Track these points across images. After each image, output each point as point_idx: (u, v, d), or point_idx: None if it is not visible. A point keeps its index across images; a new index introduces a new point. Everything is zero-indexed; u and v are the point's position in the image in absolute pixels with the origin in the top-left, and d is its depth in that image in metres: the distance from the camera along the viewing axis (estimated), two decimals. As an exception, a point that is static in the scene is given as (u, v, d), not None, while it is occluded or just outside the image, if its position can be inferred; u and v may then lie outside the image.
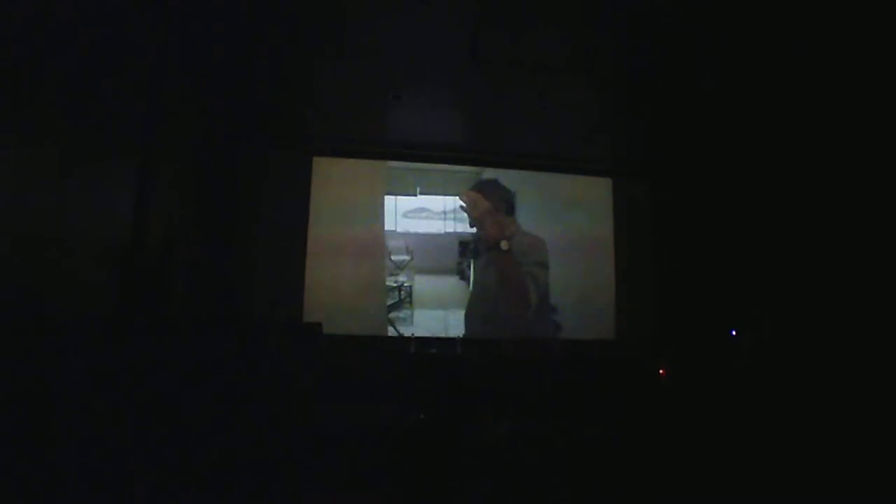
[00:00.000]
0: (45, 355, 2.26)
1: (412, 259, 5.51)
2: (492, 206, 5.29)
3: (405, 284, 5.43)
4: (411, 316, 5.41)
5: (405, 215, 5.64)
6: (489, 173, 5.56)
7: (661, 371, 4.12)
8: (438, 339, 5.14)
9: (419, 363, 4.61)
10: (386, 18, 3.33)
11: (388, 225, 5.51)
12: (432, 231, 5.68)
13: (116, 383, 2.52)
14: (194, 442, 2.64)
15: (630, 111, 4.35)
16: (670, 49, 3.43)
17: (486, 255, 5.31)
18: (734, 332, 4.21)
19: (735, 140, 4.33)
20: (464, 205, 5.36)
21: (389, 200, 5.52)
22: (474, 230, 5.42)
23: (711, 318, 4.47)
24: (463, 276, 5.55)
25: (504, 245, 5.14)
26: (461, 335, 5.24)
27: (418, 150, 5.29)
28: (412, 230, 5.61)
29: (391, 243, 5.46)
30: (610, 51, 3.57)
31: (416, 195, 5.62)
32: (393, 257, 5.46)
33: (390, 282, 5.39)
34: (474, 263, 5.46)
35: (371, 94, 4.27)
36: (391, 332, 5.23)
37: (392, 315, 5.31)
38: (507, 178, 5.50)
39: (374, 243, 5.16)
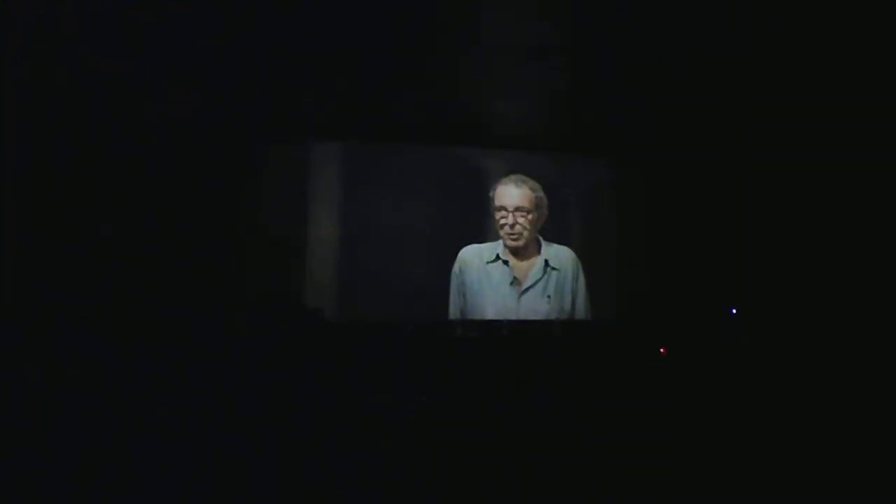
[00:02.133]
0: (43, 351, 2.31)
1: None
2: None
3: None
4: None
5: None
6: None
7: (661, 350, 4.19)
8: (438, 322, 4.65)
9: (416, 348, 4.17)
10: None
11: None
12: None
13: (117, 376, 2.58)
14: (199, 434, 2.61)
15: (629, 95, 4.37)
16: (670, 35, 3.45)
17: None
18: (734, 311, 4.26)
19: (735, 124, 4.37)
20: None
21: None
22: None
23: (711, 298, 4.49)
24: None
25: None
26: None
27: (416, 134, 4.82)
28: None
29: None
30: (607, 36, 3.58)
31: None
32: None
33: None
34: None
35: (368, 78, 4.20)
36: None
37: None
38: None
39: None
